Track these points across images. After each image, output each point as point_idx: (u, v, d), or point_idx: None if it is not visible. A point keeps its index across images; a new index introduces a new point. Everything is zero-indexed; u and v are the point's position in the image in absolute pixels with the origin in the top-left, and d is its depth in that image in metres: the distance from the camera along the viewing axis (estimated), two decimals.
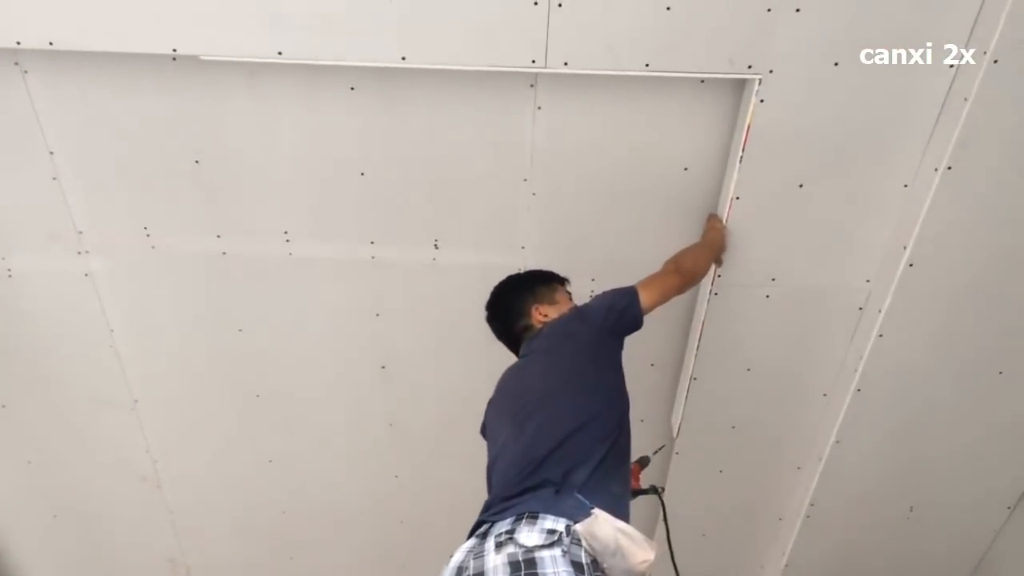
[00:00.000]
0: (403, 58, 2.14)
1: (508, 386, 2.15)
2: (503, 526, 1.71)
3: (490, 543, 1.68)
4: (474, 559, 1.67)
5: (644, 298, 2.08)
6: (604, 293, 2.14)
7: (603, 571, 1.71)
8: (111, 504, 3.41)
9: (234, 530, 3.47)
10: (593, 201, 2.53)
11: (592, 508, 1.72)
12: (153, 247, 2.67)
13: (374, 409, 3.07)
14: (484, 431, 2.19)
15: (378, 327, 2.85)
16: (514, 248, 2.63)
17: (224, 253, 2.68)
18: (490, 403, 2.21)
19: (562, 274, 2.35)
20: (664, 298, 2.15)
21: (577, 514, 1.71)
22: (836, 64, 2.07)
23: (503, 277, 2.61)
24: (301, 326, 2.85)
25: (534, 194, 2.52)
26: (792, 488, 2.97)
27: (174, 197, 2.57)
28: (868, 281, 2.46)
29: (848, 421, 2.62)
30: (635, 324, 2.08)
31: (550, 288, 2.28)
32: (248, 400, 3.04)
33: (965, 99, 2.02)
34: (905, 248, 2.27)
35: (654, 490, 2.31)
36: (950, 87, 2.09)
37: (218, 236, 2.64)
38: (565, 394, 1.95)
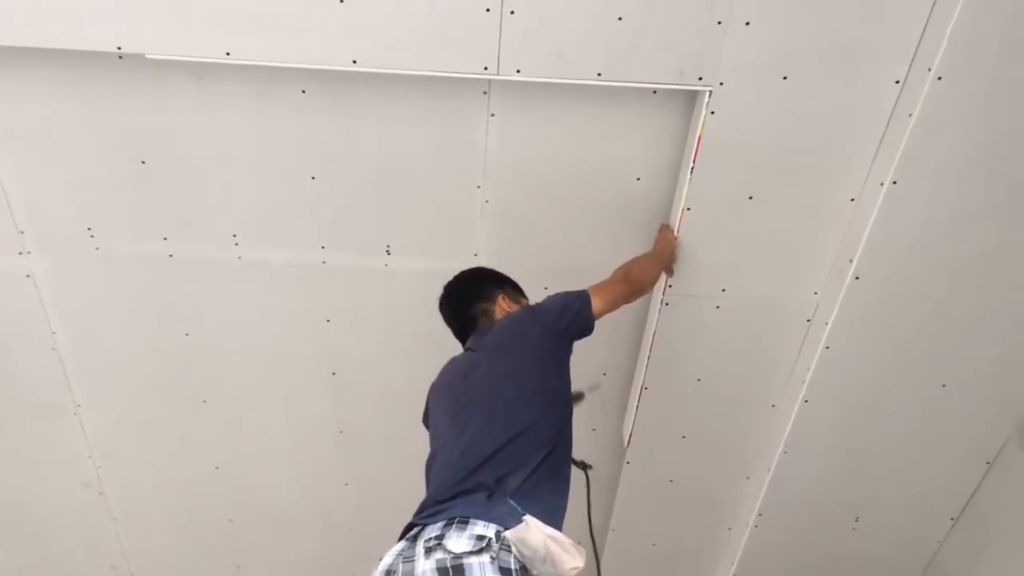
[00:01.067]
0: (354, 61, 2.12)
1: (452, 380, 2.12)
2: (433, 531, 1.70)
3: (420, 547, 1.66)
4: (403, 563, 1.66)
5: (595, 303, 2.07)
6: (557, 295, 2.12)
7: None
8: (52, 510, 3.33)
9: (179, 538, 3.41)
10: (546, 209, 2.53)
11: (523, 515, 1.72)
12: (97, 248, 2.62)
13: (324, 416, 3.04)
14: (426, 420, 2.18)
15: (329, 333, 2.81)
16: (467, 255, 2.62)
17: (171, 256, 2.63)
18: (433, 390, 2.20)
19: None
20: (613, 305, 2.14)
21: (508, 520, 1.70)
22: (785, 78, 2.09)
23: None
24: (250, 331, 2.81)
25: (487, 201, 2.51)
26: (741, 498, 2.99)
27: (120, 198, 2.52)
28: (816, 293, 2.49)
29: (796, 432, 2.65)
30: (587, 328, 2.06)
31: (517, 292, 2.28)
32: (195, 406, 2.99)
33: (910, 115, 2.05)
34: (851, 261, 2.30)
35: (583, 465, 2.27)
36: (896, 103, 2.12)
37: (165, 238, 2.60)
38: (508, 398, 1.93)
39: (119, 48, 2.11)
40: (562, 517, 1.90)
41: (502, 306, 2.18)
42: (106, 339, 2.83)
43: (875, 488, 2.80)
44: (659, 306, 2.53)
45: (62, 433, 3.06)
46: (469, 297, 2.23)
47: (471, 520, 1.69)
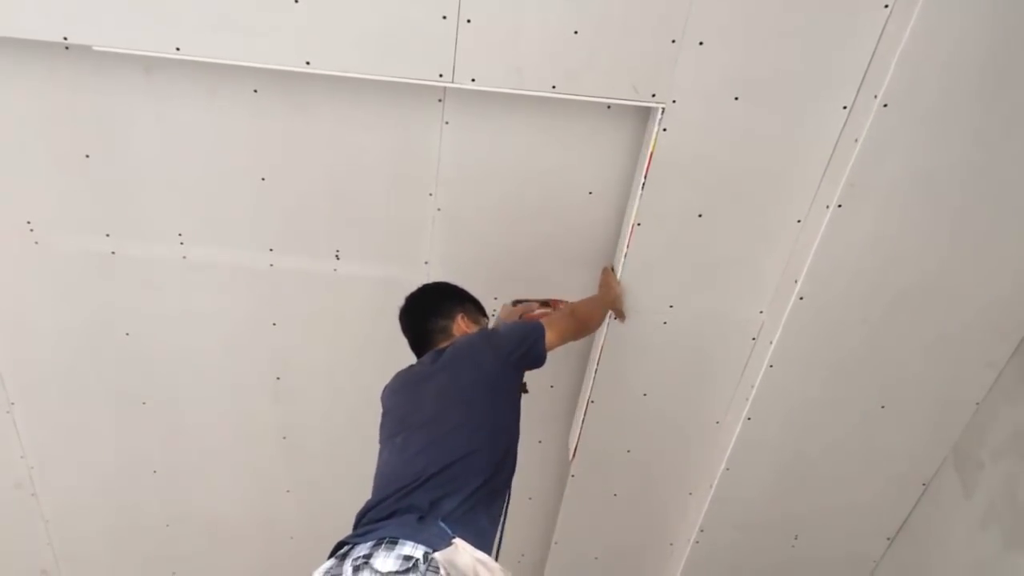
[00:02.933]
0: (307, 63, 2.09)
1: (403, 390, 2.12)
2: (362, 549, 1.70)
3: (347, 566, 1.68)
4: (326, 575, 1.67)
5: (548, 336, 2.07)
6: (514, 324, 2.15)
7: None
8: None
9: (113, 541, 3.33)
10: (498, 219, 2.52)
11: (453, 537, 1.74)
12: (36, 243, 2.55)
13: (267, 421, 2.99)
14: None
15: (274, 337, 2.77)
16: (417, 263, 2.60)
17: (113, 253, 2.57)
18: (384, 394, 2.19)
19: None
20: (562, 340, 2.14)
21: (437, 542, 1.72)
22: (736, 98, 2.11)
23: (405, 291, 2.59)
24: (193, 333, 2.76)
25: (439, 209, 2.50)
26: (683, 513, 3.01)
27: (61, 192, 2.47)
28: (761, 312, 2.52)
29: (738, 449, 2.67)
30: (539, 361, 2.08)
31: (478, 312, 2.29)
32: (133, 407, 2.92)
33: (856, 140, 2.08)
34: (796, 282, 2.33)
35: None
36: (842, 128, 2.15)
37: (107, 235, 2.54)
38: (454, 422, 1.94)
39: (65, 39, 2.06)
40: (492, 545, 1.92)
41: (460, 325, 2.18)
42: (43, 336, 2.76)
43: (814, 505, 2.84)
44: (607, 320, 2.54)
45: None
46: (428, 312, 2.23)
47: (400, 540, 1.71)
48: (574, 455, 2.87)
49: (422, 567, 1.65)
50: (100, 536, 3.31)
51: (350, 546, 1.76)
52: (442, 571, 1.67)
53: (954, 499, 2.62)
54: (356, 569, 1.65)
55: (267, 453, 3.07)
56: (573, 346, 2.74)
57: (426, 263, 2.60)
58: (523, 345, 2.04)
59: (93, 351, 2.79)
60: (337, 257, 2.60)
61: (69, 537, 3.32)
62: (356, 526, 1.87)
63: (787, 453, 2.70)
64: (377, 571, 1.63)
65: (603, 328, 2.57)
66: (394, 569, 1.63)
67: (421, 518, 1.78)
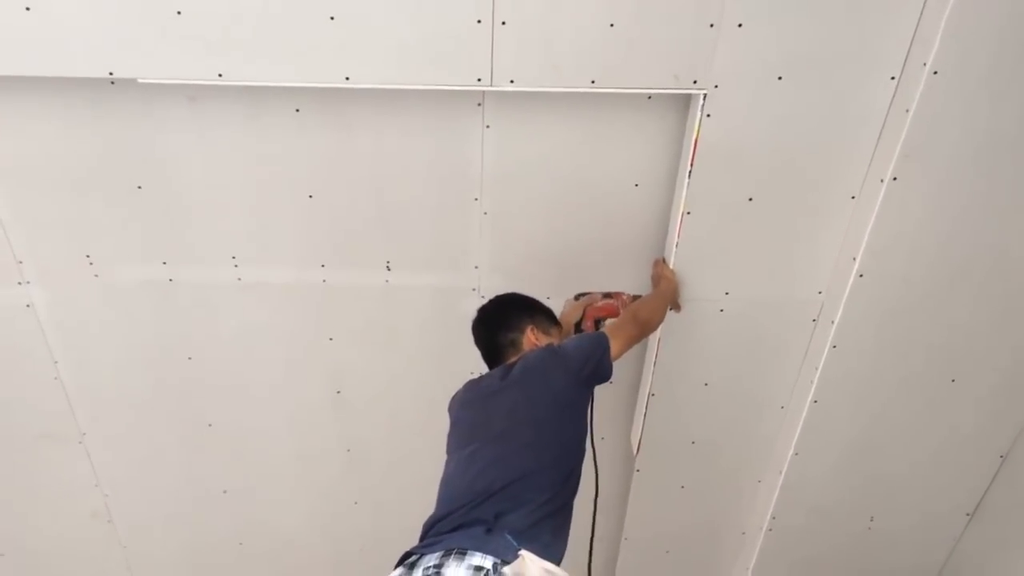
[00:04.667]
0: (347, 78, 2.11)
1: (473, 401, 2.13)
2: (431, 559, 1.72)
3: (417, 574, 1.67)
4: None
5: (613, 347, 2.08)
6: (580, 337, 2.16)
7: None
8: (61, 541, 3.30)
9: (190, 563, 3.38)
10: (545, 219, 2.51)
11: (520, 550, 1.74)
12: (96, 275, 2.60)
13: (330, 435, 3.02)
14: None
15: (331, 351, 2.80)
16: (467, 268, 2.61)
17: (170, 280, 2.62)
18: (453, 403, 2.22)
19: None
20: (628, 347, 2.16)
21: (504, 553, 1.73)
22: (780, 78, 2.08)
23: (457, 297, 2.61)
24: (252, 352, 2.79)
25: (485, 213, 2.50)
26: (753, 502, 2.97)
27: (116, 224, 2.51)
28: (820, 293, 2.47)
29: (806, 433, 2.63)
30: (606, 375, 2.08)
31: (549, 321, 2.28)
32: (199, 430, 2.97)
33: (907, 111, 2.03)
34: (854, 259, 2.28)
35: None
36: (892, 99, 2.10)
37: (164, 263, 2.59)
38: (522, 439, 1.94)
39: (111, 73, 2.10)
40: (561, 555, 1.92)
41: (530, 338, 2.19)
42: (108, 366, 2.81)
43: (888, 487, 2.78)
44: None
45: (68, 463, 3.04)
46: (498, 325, 2.24)
47: (469, 551, 1.72)
48: (638, 450, 2.85)
49: None
50: (176, 558, 3.37)
51: (418, 556, 1.77)
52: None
53: None
54: (411, 566, 1.67)
55: (332, 467, 3.10)
56: None
57: (476, 268, 2.60)
58: (591, 361, 2.03)
59: (157, 377, 2.84)
60: (388, 268, 2.61)
61: (146, 561, 3.38)
62: (423, 537, 1.88)
63: (856, 434, 2.65)
64: None
65: None
66: None
67: (488, 530, 1.79)
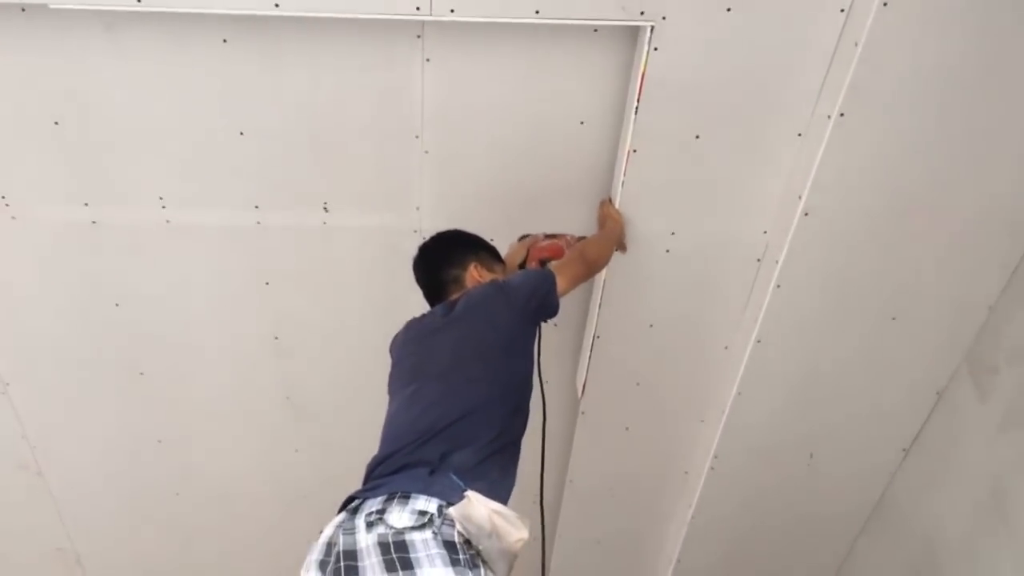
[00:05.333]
0: (276, 5, 1.98)
1: (415, 340, 2.08)
2: (374, 504, 1.67)
3: (360, 521, 1.64)
4: (344, 535, 1.63)
5: (559, 284, 2.05)
6: (525, 273, 2.11)
7: (477, 551, 1.68)
8: None
9: (125, 515, 3.31)
10: (488, 158, 2.43)
11: (465, 490, 1.70)
12: (13, 218, 2.46)
13: (269, 382, 2.94)
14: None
15: (268, 296, 2.70)
16: (408, 209, 2.52)
17: (94, 222, 2.49)
18: (394, 344, 2.17)
19: None
20: (574, 285, 2.13)
21: (450, 495, 1.69)
22: (728, 9, 2.01)
23: (398, 239, 2.53)
24: (185, 298, 2.69)
25: (427, 152, 2.41)
26: (696, 442, 2.99)
27: (34, 163, 2.36)
28: (765, 232, 2.45)
29: (749, 373, 2.63)
30: (553, 310, 2.04)
31: (493, 259, 2.24)
32: (131, 379, 2.87)
33: (856, 44, 2.00)
34: (800, 198, 2.26)
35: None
36: (841, 32, 2.06)
37: (86, 204, 2.45)
38: (466, 375, 1.90)
39: None
40: (508, 492, 1.90)
41: (473, 275, 2.14)
42: (31, 313, 2.68)
43: (828, 422, 2.82)
44: None
45: None
46: (441, 262, 2.19)
47: (412, 495, 1.67)
48: (583, 392, 2.83)
49: (437, 521, 1.62)
50: (112, 509, 3.29)
51: (360, 500, 1.73)
52: (457, 525, 1.65)
53: (969, 406, 2.60)
54: (369, 525, 1.62)
55: (272, 414, 3.02)
56: None
57: (418, 208, 2.52)
58: (536, 296, 1.99)
59: (84, 325, 2.72)
60: (326, 209, 2.51)
61: (80, 513, 3.29)
62: (366, 480, 1.84)
63: (798, 373, 2.67)
64: (392, 526, 1.60)
65: None
66: (409, 524, 1.60)
67: (432, 471, 1.75)
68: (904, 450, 2.86)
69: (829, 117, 2.12)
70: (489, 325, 1.95)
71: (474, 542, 1.67)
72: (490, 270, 2.18)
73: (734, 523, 3.10)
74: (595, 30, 2.18)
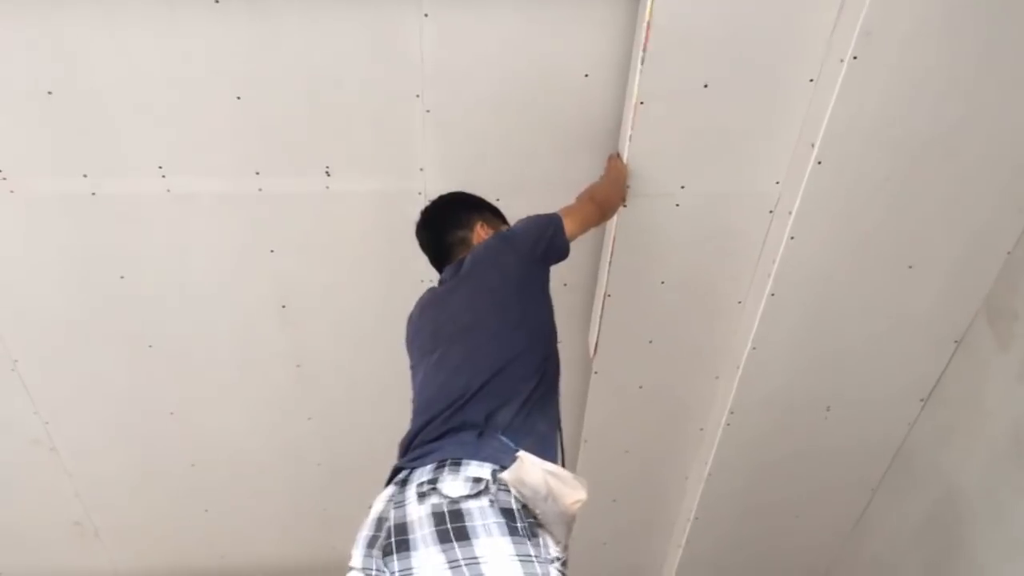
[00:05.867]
0: None
1: (431, 311, 2.02)
2: (424, 474, 1.59)
3: (411, 492, 1.56)
4: (395, 508, 1.56)
5: (568, 226, 1.98)
6: (529, 219, 2.02)
7: (535, 516, 1.61)
8: (2, 471, 3.20)
9: (140, 487, 3.30)
10: (492, 115, 2.38)
11: (517, 451, 1.63)
12: (12, 191, 2.42)
13: (278, 350, 2.91)
14: (409, 347, 2.08)
15: (274, 264, 2.67)
16: (412, 170, 2.47)
17: (93, 194, 2.45)
18: (410, 322, 2.10)
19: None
20: (584, 228, 2.07)
21: (502, 458, 1.61)
22: None
23: (402, 202, 2.48)
24: (188, 268, 2.66)
25: (428, 111, 2.35)
26: (711, 398, 2.96)
27: (29, 135, 2.32)
28: (777, 183, 2.40)
29: (763, 326, 2.59)
30: (562, 252, 1.98)
31: (497, 219, 2.18)
32: (139, 351, 2.84)
33: None
34: (813, 146, 2.20)
35: None
36: None
37: (84, 175, 2.41)
38: (490, 329, 1.84)
39: None
40: (556, 447, 1.84)
41: (479, 234, 2.07)
42: (34, 288, 2.65)
43: (844, 376, 2.78)
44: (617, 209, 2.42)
45: (2, 391, 2.90)
46: (446, 224, 2.12)
47: (463, 461, 1.60)
48: (595, 352, 2.80)
49: (492, 488, 1.54)
50: (126, 482, 3.29)
51: (408, 471, 1.65)
52: (513, 491, 1.57)
53: (989, 353, 2.55)
54: (422, 496, 1.55)
55: (282, 383, 3.00)
56: (585, 240, 2.64)
57: (421, 170, 2.47)
58: (543, 238, 1.93)
59: (89, 298, 2.69)
60: (327, 173, 2.47)
61: (95, 487, 3.29)
62: (404, 452, 1.77)
63: (814, 326, 2.62)
64: (447, 496, 1.53)
65: (614, 218, 2.46)
66: (465, 493, 1.53)
67: (480, 434, 1.68)
68: (922, 400, 2.82)
69: (842, 61, 2.05)
70: (500, 275, 1.89)
71: (531, 507, 1.59)
72: (496, 229, 2.12)
73: (751, 478, 3.08)
74: None
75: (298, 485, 3.36)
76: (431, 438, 1.71)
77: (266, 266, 2.67)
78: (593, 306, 2.79)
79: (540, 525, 1.62)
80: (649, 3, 2.03)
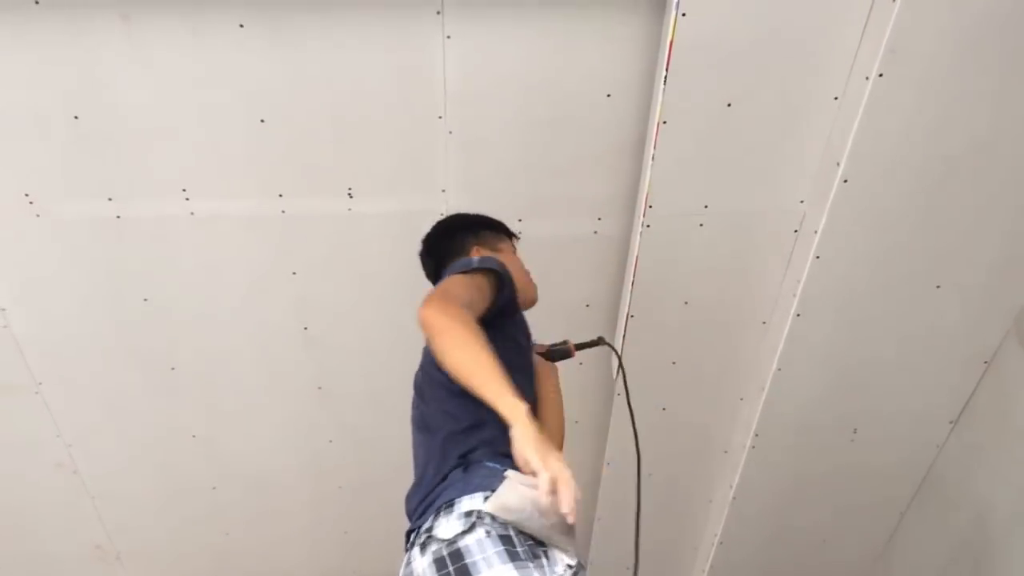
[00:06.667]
0: None
1: (422, 359, 1.91)
2: (424, 525, 1.54)
3: (415, 551, 1.51)
4: (405, 568, 1.51)
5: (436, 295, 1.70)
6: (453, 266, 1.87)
7: (531, 536, 1.52)
8: (26, 494, 3.20)
9: (162, 510, 3.30)
10: (514, 136, 2.38)
11: (505, 471, 1.52)
12: (38, 215, 2.44)
13: (300, 373, 2.91)
14: None
15: (296, 286, 2.67)
16: (434, 191, 2.48)
17: (118, 217, 2.46)
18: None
19: (496, 219, 2.12)
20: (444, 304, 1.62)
21: (493, 483, 1.53)
22: None
23: (425, 223, 2.47)
24: (212, 290, 2.66)
25: (451, 132, 2.36)
26: (736, 419, 2.92)
27: (56, 159, 2.34)
28: (802, 202, 2.38)
29: (789, 347, 2.56)
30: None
31: (496, 236, 2.07)
32: (162, 374, 2.85)
33: (893, 0, 1.91)
34: (838, 164, 2.18)
35: (599, 341, 2.08)
36: None
37: (110, 199, 2.43)
38: (432, 383, 1.76)
39: None
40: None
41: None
42: (59, 311, 2.67)
43: (872, 397, 2.74)
44: (640, 229, 2.41)
45: (26, 414, 2.92)
46: (443, 252, 2.02)
47: (455, 500, 1.53)
48: (617, 373, 2.77)
49: (486, 517, 1.46)
50: (148, 505, 3.29)
51: (416, 529, 1.60)
52: (500, 518, 1.47)
53: (1019, 374, 2.50)
54: (423, 547, 1.49)
55: (304, 405, 3.00)
56: (608, 260, 2.64)
57: (444, 191, 2.47)
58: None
59: (113, 321, 2.71)
60: (350, 195, 2.47)
61: (118, 510, 3.29)
62: (407, 512, 1.71)
63: (840, 346, 2.59)
64: (443, 539, 1.46)
65: (636, 238, 2.45)
66: (460, 530, 1.46)
67: (465, 469, 1.61)
68: (951, 423, 2.78)
69: (867, 78, 2.03)
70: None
71: (524, 529, 1.50)
72: (493, 249, 2.00)
73: (776, 502, 3.03)
74: None
75: (319, 507, 3.34)
76: (426, 493, 1.65)
77: (288, 288, 2.67)
78: (616, 326, 2.77)
79: (541, 543, 1.53)
80: (672, 22, 2.03)
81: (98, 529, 3.34)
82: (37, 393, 2.87)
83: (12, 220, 2.44)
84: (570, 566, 1.53)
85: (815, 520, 3.12)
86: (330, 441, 3.13)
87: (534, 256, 2.45)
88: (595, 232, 2.58)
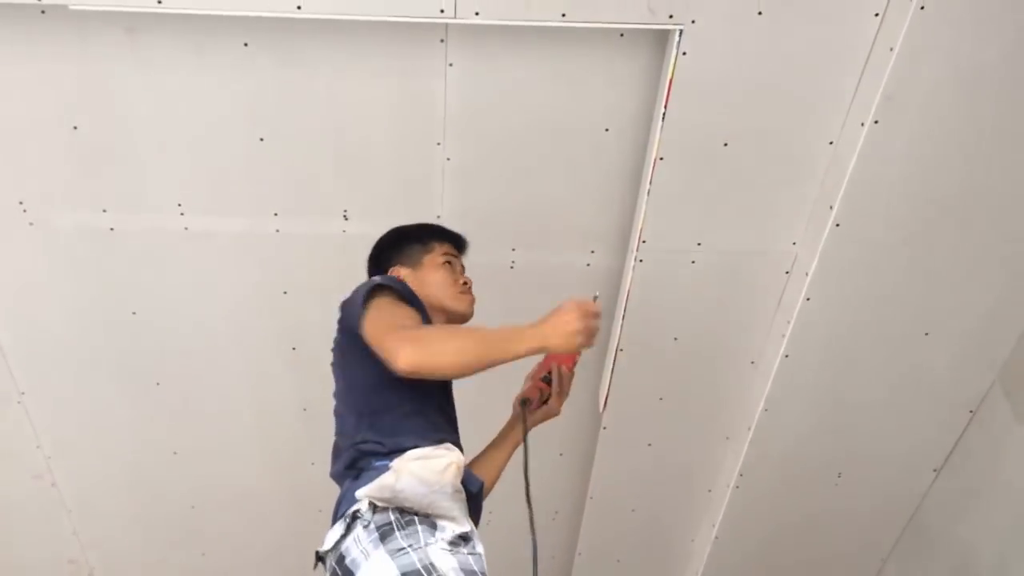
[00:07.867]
0: (299, 7, 1.95)
1: None
2: (328, 542, 1.57)
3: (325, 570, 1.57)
4: None
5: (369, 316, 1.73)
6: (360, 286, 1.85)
7: (423, 513, 1.53)
8: (3, 505, 3.15)
9: (139, 527, 3.26)
10: (512, 165, 2.40)
11: (388, 464, 1.56)
12: (31, 224, 2.44)
13: (286, 393, 2.89)
14: None
15: (286, 306, 2.66)
16: (430, 217, 2.46)
17: (112, 229, 2.46)
18: None
19: (465, 238, 2.01)
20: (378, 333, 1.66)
21: (375, 478, 1.56)
22: (760, 13, 1.97)
23: None
24: (202, 307, 2.65)
25: (449, 159, 2.37)
26: (721, 458, 2.92)
27: (52, 168, 2.34)
28: (794, 244, 2.40)
29: (776, 388, 2.56)
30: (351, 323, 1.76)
31: (422, 248, 1.92)
32: (147, 389, 2.83)
33: (891, 49, 1.94)
34: (831, 208, 2.20)
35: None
36: (875, 37, 2.01)
37: (104, 211, 2.43)
38: (338, 393, 1.86)
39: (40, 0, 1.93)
40: (444, 428, 1.73)
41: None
42: (47, 321, 2.66)
43: (857, 442, 2.74)
44: (632, 263, 2.42)
45: (6, 423, 2.88)
46: (371, 270, 2.01)
47: (347, 511, 1.56)
48: (605, 406, 2.77)
49: (365, 515, 1.49)
50: (125, 522, 3.24)
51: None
52: (378, 504, 1.50)
53: (1004, 424, 2.52)
54: (323, 561, 1.57)
55: (288, 426, 2.97)
56: (600, 292, 2.63)
57: (439, 217, 2.47)
58: (346, 305, 1.80)
59: (100, 333, 2.69)
60: (345, 217, 2.48)
61: (94, 525, 3.25)
62: None
63: (827, 389, 2.59)
64: (328, 550, 1.54)
65: (628, 273, 2.46)
66: (339, 535, 1.52)
67: (356, 477, 1.61)
68: (935, 471, 2.78)
69: (863, 124, 2.06)
70: (339, 332, 1.84)
71: (409, 505, 1.51)
72: (414, 266, 1.89)
73: (759, 543, 3.02)
74: (622, 34, 2.14)
75: (299, 530, 3.28)
76: (333, 512, 1.66)
77: (279, 307, 2.66)
78: (604, 360, 2.77)
79: (426, 515, 1.53)
80: (673, 60, 2.05)
81: (73, 544, 3.29)
82: (19, 403, 2.84)
83: (4, 227, 2.43)
84: (462, 535, 1.52)
85: (797, 563, 3.10)
86: (312, 463, 3.10)
87: (526, 286, 2.47)
88: (588, 264, 2.58)
